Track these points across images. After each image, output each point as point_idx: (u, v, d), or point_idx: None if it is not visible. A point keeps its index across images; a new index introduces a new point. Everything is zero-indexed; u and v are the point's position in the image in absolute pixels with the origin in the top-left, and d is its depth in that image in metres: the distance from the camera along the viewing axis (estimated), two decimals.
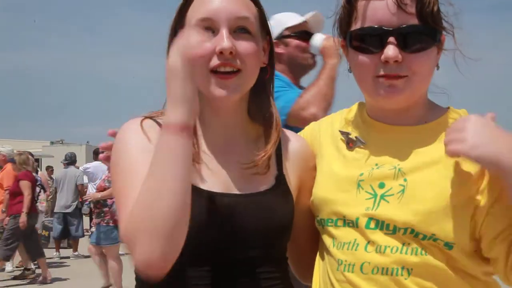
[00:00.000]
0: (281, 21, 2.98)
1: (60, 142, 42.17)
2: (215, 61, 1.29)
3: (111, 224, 7.36)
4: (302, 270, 1.59)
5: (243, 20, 1.31)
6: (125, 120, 1.40)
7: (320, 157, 1.52)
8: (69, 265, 10.43)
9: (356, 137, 1.45)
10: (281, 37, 2.97)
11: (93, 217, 7.72)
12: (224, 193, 1.33)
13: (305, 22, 3.00)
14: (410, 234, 1.26)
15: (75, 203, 11.14)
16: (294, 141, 1.53)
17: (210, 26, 1.30)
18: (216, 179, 1.35)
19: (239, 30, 1.31)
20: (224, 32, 1.28)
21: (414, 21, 1.28)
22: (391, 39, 1.27)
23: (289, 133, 1.55)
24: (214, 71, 1.30)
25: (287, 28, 2.98)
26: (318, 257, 1.46)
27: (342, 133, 1.49)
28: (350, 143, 1.45)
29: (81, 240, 11.35)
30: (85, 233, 11.54)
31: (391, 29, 1.27)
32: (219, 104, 1.36)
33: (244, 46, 1.31)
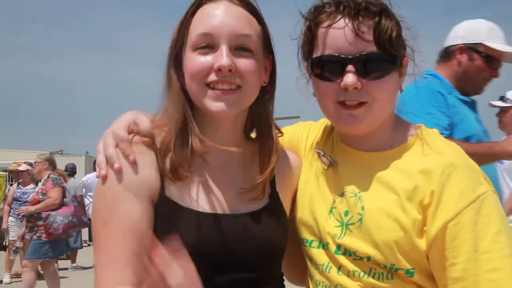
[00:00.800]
0: (482, 32, 2.86)
1: (60, 152, 42.20)
2: (212, 77, 1.26)
3: (43, 239, 7.19)
4: (296, 277, 1.62)
5: (245, 38, 1.29)
6: None
7: (303, 166, 1.55)
8: (68, 277, 10.33)
9: (329, 157, 1.46)
10: (472, 48, 2.87)
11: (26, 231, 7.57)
12: (219, 214, 1.31)
13: (505, 52, 2.88)
14: (373, 262, 1.28)
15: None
16: (287, 159, 1.51)
17: (210, 42, 1.27)
18: (211, 199, 1.32)
19: (240, 48, 1.28)
20: (223, 49, 1.26)
21: (373, 48, 1.27)
22: (350, 67, 1.27)
23: (281, 149, 1.52)
24: (211, 86, 1.27)
25: (485, 46, 2.87)
26: (307, 273, 1.49)
27: (317, 151, 1.50)
28: (324, 163, 1.46)
29: (79, 251, 11.25)
30: (83, 245, 11.52)
31: (349, 57, 1.27)
32: (217, 119, 1.32)
33: (245, 63, 1.28)
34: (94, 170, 11.87)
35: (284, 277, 1.47)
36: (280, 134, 1.50)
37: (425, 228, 1.25)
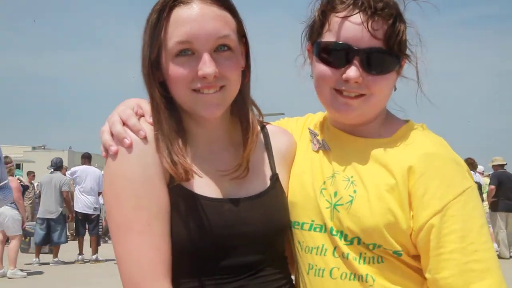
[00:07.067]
0: None
1: (42, 147, 41.61)
2: (197, 84, 1.29)
3: None
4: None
5: (224, 39, 1.30)
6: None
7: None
8: (49, 272, 10.25)
9: (322, 140, 1.51)
10: None
11: None
12: (220, 198, 1.35)
13: None
14: (363, 244, 1.34)
15: (60, 209, 11.01)
16: (282, 137, 1.56)
17: (189, 48, 1.28)
18: (211, 185, 1.36)
19: (220, 48, 1.30)
20: (206, 56, 1.27)
21: (381, 45, 1.35)
22: (356, 59, 1.34)
23: (276, 129, 1.58)
24: (198, 91, 1.30)
25: None
26: (294, 256, 1.51)
27: (311, 132, 1.56)
28: (316, 144, 1.52)
29: (62, 246, 11.20)
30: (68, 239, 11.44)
31: (357, 48, 1.34)
32: (205, 119, 1.37)
33: (227, 66, 1.31)
34: (82, 164, 11.75)
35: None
36: (260, 117, 1.54)
37: (412, 214, 1.30)
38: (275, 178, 1.45)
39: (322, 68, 1.39)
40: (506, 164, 12.43)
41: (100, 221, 11.96)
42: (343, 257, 1.35)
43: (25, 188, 14.57)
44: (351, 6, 1.35)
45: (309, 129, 1.57)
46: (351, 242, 1.35)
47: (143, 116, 1.34)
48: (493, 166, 12.31)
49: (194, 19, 1.27)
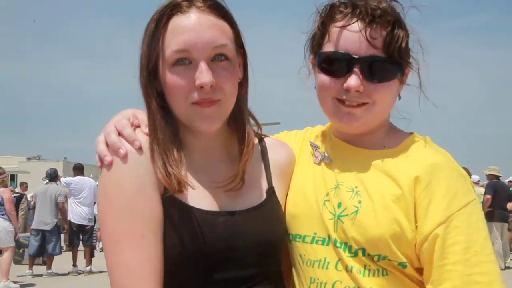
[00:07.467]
0: None
1: (37, 158, 41.47)
2: (195, 96, 1.29)
3: None
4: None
5: (221, 48, 1.30)
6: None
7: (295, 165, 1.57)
8: (42, 284, 10.14)
9: (324, 152, 1.51)
10: None
11: None
12: (215, 211, 1.33)
13: None
14: (368, 256, 1.33)
15: (55, 220, 10.91)
16: (280, 150, 1.55)
17: (187, 57, 1.28)
18: (206, 197, 1.35)
19: (217, 58, 1.30)
20: (202, 65, 1.27)
21: (381, 53, 1.35)
22: (356, 67, 1.34)
23: (274, 142, 1.57)
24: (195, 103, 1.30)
25: None
26: (293, 271, 1.49)
27: (312, 145, 1.55)
28: (317, 156, 1.51)
29: (55, 257, 11.10)
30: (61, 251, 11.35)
31: (357, 57, 1.34)
32: (202, 132, 1.36)
33: (223, 76, 1.30)
34: (75, 175, 11.69)
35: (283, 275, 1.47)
36: (259, 129, 1.54)
37: (417, 225, 1.29)
38: (271, 191, 1.44)
39: (324, 78, 1.40)
40: (501, 176, 12.47)
41: (94, 232, 11.88)
42: (347, 270, 1.34)
43: (19, 198, 14.49)
44: (349, 15, 1.36)
45: (310, 142, 1.56)
46: (355, 254, 1.33)
47: (139, 126, 1.33)
48: (488, 175, 12.34)
49: (191, 28, 1.27)
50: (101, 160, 1.29)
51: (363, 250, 1.33)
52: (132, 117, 1.35)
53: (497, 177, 12.30)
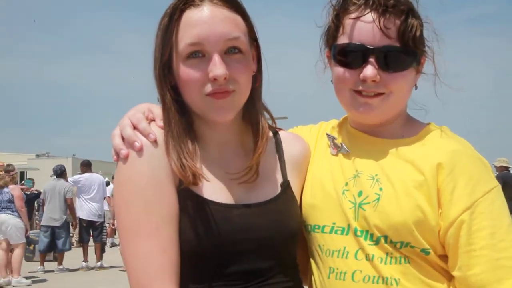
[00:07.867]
0: None
1: (46, 155, 41.75)
2: (209, 88, 1.29)
3: None
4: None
5: (234, 41, 1.30)
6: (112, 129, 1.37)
7: (311, 159, 1.57)
8: (54, 279, 10.24)
9: (341, 143, 1.50)
10: None
11: None
12: (229, 203, 1.34)
13: None
14: (390, 243, 1.33)
15: (64, 216, 11.00)
16: (296, 143, 1.55)
17: (200, 50, 1.29)
18: (222, 190, 1.35)
19: (230, 51, 1.30)
20: (216, 58, 1.28)
21: (396, 43, 1.35)
22: (372, 58, 1.35)
23: (289, 135, 1.57)
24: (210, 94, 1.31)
25: None
26: (312, 262, 1.49)
27: (329, 136, 1.55)
28: (335, 148, 1.51)
29: (66, 253, 11.19)
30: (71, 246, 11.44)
31: (372, 47, 1.34)
32: (216, 123, 1.37)
33: (237, 68, 1.30)
34: (83, 172, 11.76)
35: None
36: (273, 122, 1.54)
37: (440, 211, 1.30)
38: (286, 184, 1.44)
39: (340, 70, 1.41)
40: (510, 167, 12.41)
41: (104, 228, 11.95)
42: (367, 259, 1.34)
43: (37, 195, 14.47)
44: (362, 6, 1.36)
45: (327, 134, 1.57)
46: (377, 242, 1.34)
47: (154, 120, 1.35)
48: (498, 167, 12.28)
49: (204, 21, 1.28)
50: (117, 153, 1.30)
51: (386, 237, 1.33)
52: (147, 111, 1.37)
53: (507, 168, 12.25)
